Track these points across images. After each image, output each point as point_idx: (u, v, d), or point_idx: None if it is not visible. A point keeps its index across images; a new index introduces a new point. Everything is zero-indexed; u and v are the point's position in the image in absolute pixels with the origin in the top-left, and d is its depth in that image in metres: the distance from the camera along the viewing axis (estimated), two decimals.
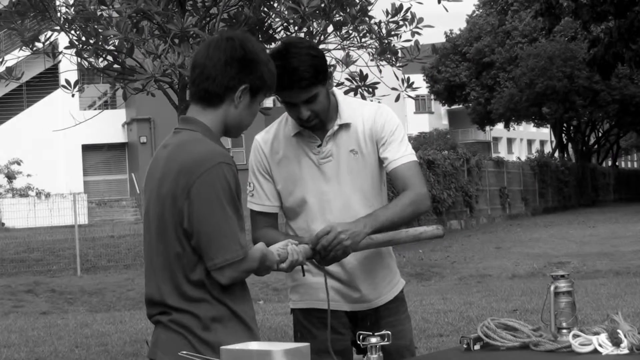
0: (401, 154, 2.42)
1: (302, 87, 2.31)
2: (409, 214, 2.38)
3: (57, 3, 5.38)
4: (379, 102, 5.41)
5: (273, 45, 5.88)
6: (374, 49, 5.53)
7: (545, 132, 50.84)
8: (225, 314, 1.96)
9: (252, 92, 2.03)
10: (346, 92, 5.42)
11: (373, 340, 2.02)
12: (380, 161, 2.47)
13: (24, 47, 5.38)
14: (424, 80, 35.47)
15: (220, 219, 1.91)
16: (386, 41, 5.52)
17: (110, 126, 26.14)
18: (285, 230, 2.55)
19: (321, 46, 5.67)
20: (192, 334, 1.94)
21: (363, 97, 5.44)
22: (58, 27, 5.33)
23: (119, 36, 4.87)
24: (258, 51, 2.03)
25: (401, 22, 5.50)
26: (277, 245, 2.14)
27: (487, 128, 40.76)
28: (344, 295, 2.48)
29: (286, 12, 5.30)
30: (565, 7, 20.78)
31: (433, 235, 2.47)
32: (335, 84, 5.74)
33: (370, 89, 5.67)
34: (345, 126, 2.45)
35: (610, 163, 43.46)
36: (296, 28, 5.68)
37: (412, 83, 5.74)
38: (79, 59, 5.41)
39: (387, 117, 2.45)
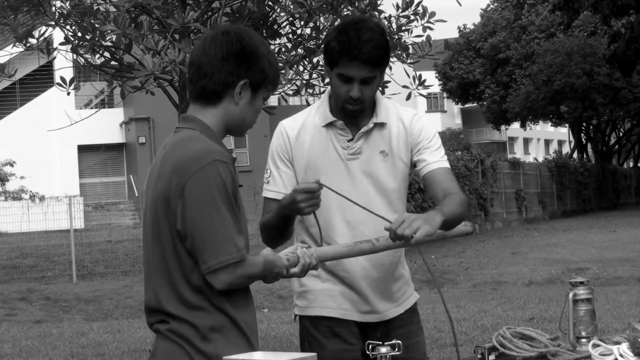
0: (438, 159, 2.42)
1: (369, 62, 2.27)
2: (459, 215, 2.33)
3: None
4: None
5: (277, 41, 5.73)
6: None
7: (564, 131, 50.33)
8: (224, 324, 1.89)
9: (253, 88, 1.97)
10: None
11: (383, 350, 1.95)
12: (412, 165, 2.44)
13: (17, 43, 5.29)
14: (436, 77, 34.88)
15: (214, 219, 1.84)
16: (396, 36, 5.59)
17: (107, 126, 25.94)
18: (297, 231, 2.45)
19: None
20: (190, 345, 1.88)
21: None
22: (53, 22, 5.31)
23: (116, 31, 4.84)
24: (257, 44, 1.96)
25: (412, 17, 5.53)
26: (286, 250, 2.07)
27: (503, 127, 39.84)
28: (354, 304, 2.42)
29: (292, 6, 5.27)
30: (584, 0, 20.59)
31: (462, 233, 2.39)
32: None
33: (380, 87, 5.56)
34: (380, 125, 2.41)
35: (631, 164, 42.56)
36: (302, 23, 5.61)
37: (424, 80, 5.66)
38: (74, 56, 5.38)
39: (425, 124, 2.45)
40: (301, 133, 2.41)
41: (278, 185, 2.40)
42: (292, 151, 2.40)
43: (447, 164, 2.42)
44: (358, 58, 2.25)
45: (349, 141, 2.38)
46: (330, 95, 2.42)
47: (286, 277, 2.03)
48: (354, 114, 2.35)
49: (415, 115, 2.44)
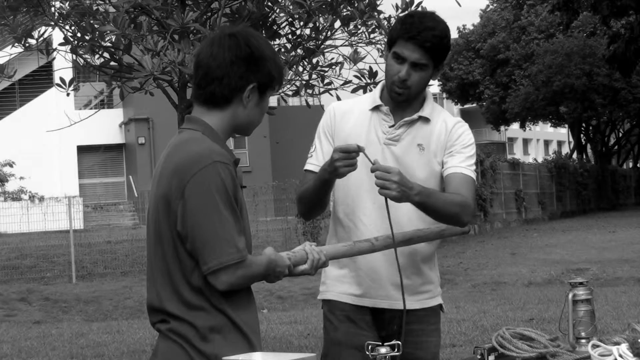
0: (464, 165, 2.45)
1: (424, 47, 2.34)
2: (452, 213, 2.34)
3: None
4: None
5: (277, 41, 5.72)
6: (383, 45, 5.49)
7: (563, 132, 50.21)
8: (224, 324, 1.90)
9: (261, 90, 1.98)
10: (354, 90, 5.32)
11: (382, 350, 1.97)
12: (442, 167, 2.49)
13: (16, 44, 5.25)
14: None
15: (215, 220, 1.85)
16: None
17: (107, 126, 25.90)
18: (332, 215, 2.52)
19: (328, 42, 5.55)
20: (189, 345, 1.89)
21: None
22: (52, 23, 5.27)
23: (116, 32, 4.82)
24: (263, 47, 1.97)
25: None
26: (295, 249, 2.08)
27: (502, 128, 39.85)
28: (367, 290, 2.45)
29: (291, 7, 5.25)
30: (583, 1, 20.57)
31: (458, 232, 2.40)
32: (342, 82, 5.63)
33: None
34: (424, 120, 2.47)
35: (631, 165, 42.29)
36: (302, 23, 5.60)
37: None
38: (74, 56, 5.35)
39: (466, 131, 2.50)
40: (347, 114, 2.50)
41: (319, 159, 2.47)
42: (335, 128, 2.48)
43: (471, 174, 2.44)
44: (414, 39, 2.33)
45: (390, 127, 2.44)
46: (383, 86, 2.49)
47: (295, 275, 2.03)
48: (399, 97, 2.40)
49: (459, 122, 2.51)
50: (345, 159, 2.21)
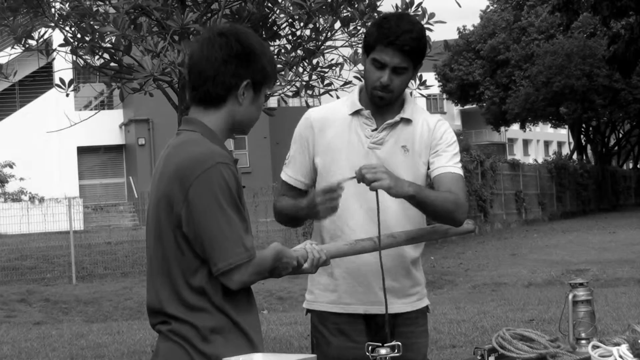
0: (452, 164, 2.44)
1: (403, 50, 2.33)
2: (447, 210, 2.33)
3: None
4: None
5: (277, 42, 5.72)
6: None
7: (563, 133, 50.18)
8: (225, 325, 1.91)
9: (255, 86, 1.98)
10: None
11: (382, 351, 1.97)
12: (428, 168, 2.47)
13: (16, 45, 5.24)
14: (435, 78, 34.72)
15: (221, 221, 1.86)
16: None
17: (107, 127, 25.90)
18: (318, 228, 2.48)
19: (328, 43, 5.55)
20: (190, 345, 1.89)
21: None
22: (52, 24, 5.25)
23: (116, 33, 4.81)
24: (254, 43, 1.98)
25: None
26: (296, 247, 2.09)
27: (502, 129, 39.87)
28: (357, 296, 2.43)
29: (291, 8, 5.25)
30: (583, 2, 20.56)
31: (463, 231, 2.39)
32: (342, 83, 5.63)
33: None
34: (406, 121, 2.46)
35: (631, 165, 42.43)
36: (302, 24, 5.60)
37: (425, 81, 5.58)
38: (74, 57, 5.35)
39: (448, 129, 2.50)
40: (326, 121, 2.47)
41: (295, 169, 2.48)
42: (315, 139, 2.45)
43: (459, 171, 2.45)
44: (394, 44, 2.32)
45: (372, 130, 2.43)
46: (361, 89, 2.48)
47: (298, 273, 2.04)
48: (381, 102, 2.40)
49: (440, 120, 2.51)
50: (329, 199, 2.21)
